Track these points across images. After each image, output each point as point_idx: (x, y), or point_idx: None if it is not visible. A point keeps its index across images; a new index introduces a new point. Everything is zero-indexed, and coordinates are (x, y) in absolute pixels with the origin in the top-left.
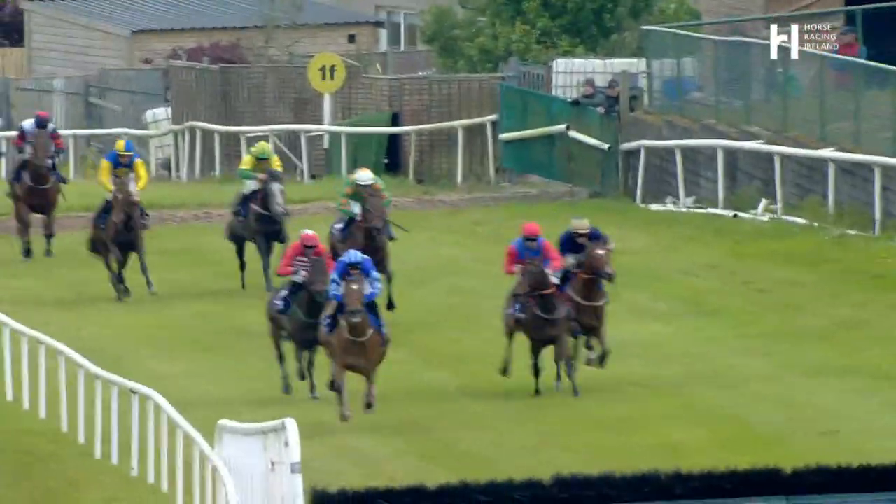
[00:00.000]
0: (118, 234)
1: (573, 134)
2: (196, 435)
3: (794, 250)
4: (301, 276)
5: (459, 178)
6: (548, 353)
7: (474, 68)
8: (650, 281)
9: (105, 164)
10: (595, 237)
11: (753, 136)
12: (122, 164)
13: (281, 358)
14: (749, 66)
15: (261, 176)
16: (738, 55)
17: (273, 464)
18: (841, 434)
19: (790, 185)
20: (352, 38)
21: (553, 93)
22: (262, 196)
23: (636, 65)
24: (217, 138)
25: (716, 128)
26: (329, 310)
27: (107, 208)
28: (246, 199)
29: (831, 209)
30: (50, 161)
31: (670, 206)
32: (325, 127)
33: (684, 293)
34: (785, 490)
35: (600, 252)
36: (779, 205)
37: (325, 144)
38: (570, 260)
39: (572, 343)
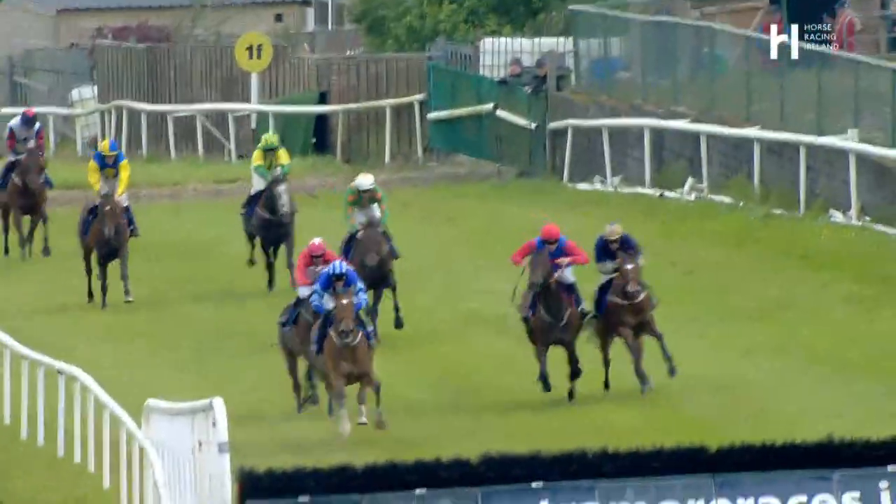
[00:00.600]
0: (103, 244)
1: (501, 113)
2: (123, 415)
3: (721, 230)
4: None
5: (387, 158)
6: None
7: (402, 48)
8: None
9: (92, 165)
10: (626, 244)
11: (680, 116)
12: (108, 165)
13: (297, 386)
14: (676, 46)
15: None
16: (664, 35)
17: (200, 444)
18: (771, 413)
19: (716, 164)
20: (279, 18)
21: (481, 72)
22: (267, 198)
23: (563, 44)
24: (144, 117)
25: (643, 107)
26: (314, 329)
27: (92, 211)
28: (253, 200)
29: (757, 188)
30: (41, 170)
31: (598, 186)
32: (253, 106)
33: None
34: (711, 468)
35: (628, 267)
36: (705, 184)
37: (253, 124)
38: (609, 265)
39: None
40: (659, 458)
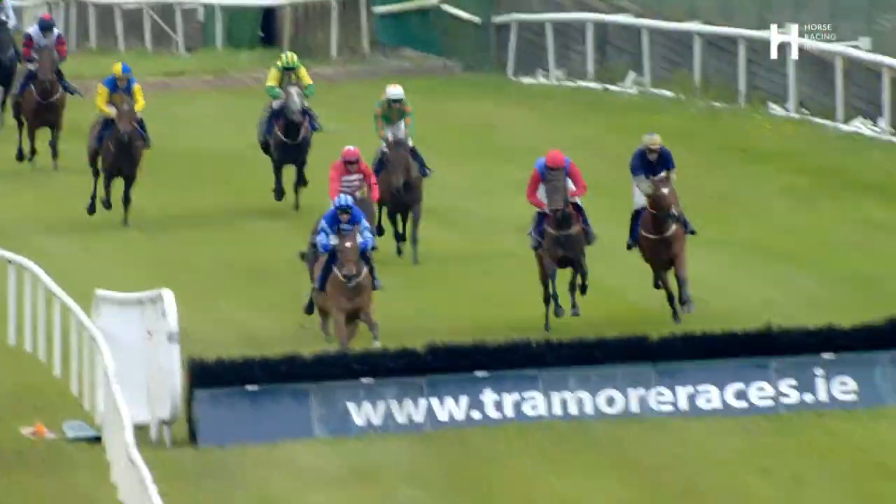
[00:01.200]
0: (115, 157)
1: (446, 7)
2: (73, 305)
3: (664, 124)
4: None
5: (334, 52)
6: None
7: None
8: (525, 155)
9: (102, 89)
10: (664, 156)
11: (623, 10)
12: (119, 89)
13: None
14: None
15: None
16: None
17: (150, 333)
18: (711, 304)
19: (658, 58)
20: None
21: None
22: (285, 123)
23: None
24: (92, 10)
25: (586, 1)
26: (317, 267)
27: (105, 125)
28: (270, 120)
29: (698, 83)
30: (55, 73)
31: (541, 80)
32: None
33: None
34: (652, 357)
35: (664, 191)
36: (647, 78)
37: (201, 17)
38: (644, 183)
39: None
40: (601, 347)
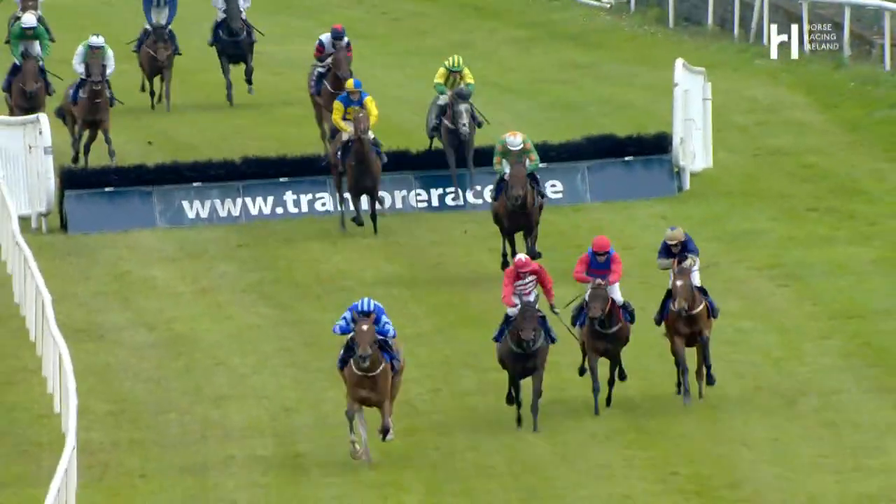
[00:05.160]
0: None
1: None
2: None
3: None
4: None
5: None
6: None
7: None
8: (312, 13)
9: (337, 105)
10: (686, 247)
11: None
12: (352, 103)
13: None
14: None
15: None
16: None
17: (30, 147)
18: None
19: None
20: None
21: None
22: (452, 114)
23: None
24: None
25: None
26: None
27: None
28: (440, 113)
29: None
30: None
31: None
32: None
33: (334, 21)
34: (410, 167)
35: (679, 284)
36: None
37: None
38: (665, 262)
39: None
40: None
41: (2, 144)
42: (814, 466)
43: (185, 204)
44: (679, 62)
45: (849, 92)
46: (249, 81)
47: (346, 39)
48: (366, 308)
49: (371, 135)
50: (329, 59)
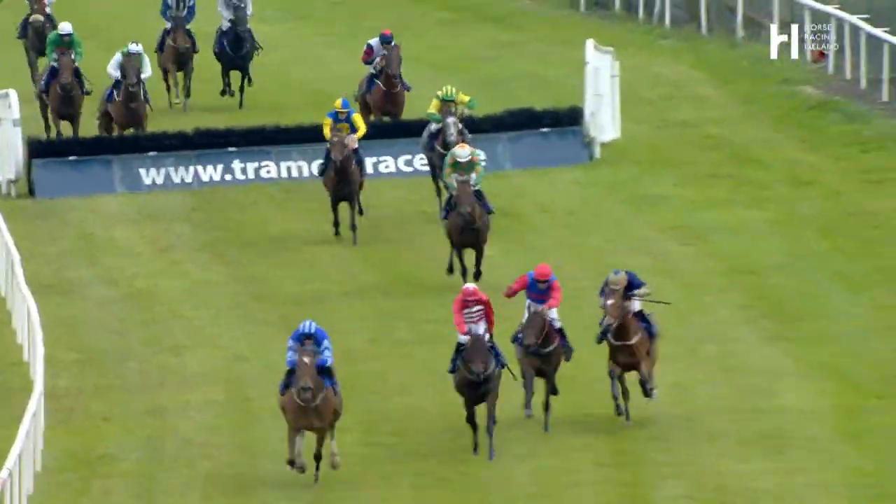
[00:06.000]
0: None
1: None
2: None
3: None
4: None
5: None
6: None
7: None
8: None
9: (327, 120)
10: (632, 287)
11: None
12: (340, 119)
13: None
14: None
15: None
16: None
17: (0, 120)
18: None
19: None
20: None
21: None
22: (443, 137)
23: None
24: None
25: None
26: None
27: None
28: (432, 138)
29: None
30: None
31: None
32: None
33: (278, 5)
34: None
35: (608, 303)
36: None
37: None
38: (602, 300)
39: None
40: (313, 131)
41: None
42: (714, 407)
43: (143, 171)
44: (590, 42)
45: (743, 69)
46: (248, 84)
47: (394, 44)
48: (308, 331)
49: (356, 144)
50: (378, 61)
